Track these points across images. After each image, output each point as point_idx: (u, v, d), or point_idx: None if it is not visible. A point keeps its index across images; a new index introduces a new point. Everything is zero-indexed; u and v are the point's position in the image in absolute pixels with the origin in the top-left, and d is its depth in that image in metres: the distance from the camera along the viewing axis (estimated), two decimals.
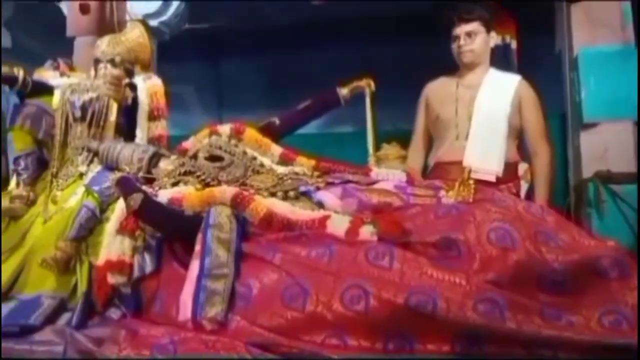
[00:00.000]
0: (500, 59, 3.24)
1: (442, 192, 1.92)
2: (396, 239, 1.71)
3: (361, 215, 1.82)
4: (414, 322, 1.55)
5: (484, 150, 2.48)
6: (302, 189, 1.97)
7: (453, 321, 1.52)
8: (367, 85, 2.37)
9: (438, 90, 2.67)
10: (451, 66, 2.75)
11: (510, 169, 2.57)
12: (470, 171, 1.88)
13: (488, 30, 2.59)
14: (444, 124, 2.58)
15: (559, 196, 2.91)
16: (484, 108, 2.54)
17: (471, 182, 1.84)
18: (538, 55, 3.39)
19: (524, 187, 2.72)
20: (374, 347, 1.57)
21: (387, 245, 1.69)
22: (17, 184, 2.25)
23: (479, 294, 1.56)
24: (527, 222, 1.71)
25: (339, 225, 1.77)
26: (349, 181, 2.00)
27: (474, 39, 2.56)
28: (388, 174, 2.05)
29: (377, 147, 2.33)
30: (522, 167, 2.91)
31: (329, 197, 1.92)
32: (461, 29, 2.56)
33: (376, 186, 1.98)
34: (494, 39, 2.63)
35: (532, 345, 1.52)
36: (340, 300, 1.59)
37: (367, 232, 1.73)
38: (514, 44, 3.30)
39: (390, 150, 2.28)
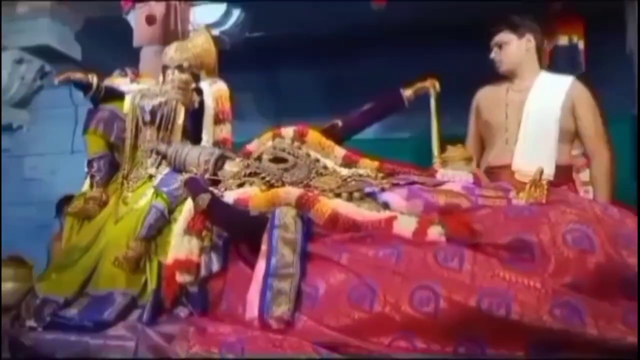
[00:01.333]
0: (567, 59, 3.15)
1: (512, 194, 1.85)
2: (465, 240, 1.66)
3: (428, 216, 1.79)
4: (486, 326, 1.50)
5: (532, 154, 2.41)
6: (367, 190, 1.95)
7: (528, 325, 1.46)
8: (431, 85, 2.34)
9: (488, 96, 2.63)
10: None
11: (563, 172, 2.47)
12: (542, 172, 1.81)
13: (520, 36, 2.53)
14: (494, 128, 2.54)
15: (630, 201, 2.77)
16: (533, 111, 2.47)
17: (544, 182, 1.78)
18: (608, 55, 3.26)
19: (590, 193, 2.62)
20: (444, 350, 1.53)
21: (456, 246, 1.65)
22: (91, 186, 2.34)
23: (556, 298, 1.49)
24: (605, 224, 1.62)
25: (406, 225, 1.74)
26: (414, 182, 1.96)
27: (505, 48, 2.52)
28: (454, 175, 2.00)
29: (442, 149, 2.29)
30: (588, 174, 2.80)
31: (395, 198, 1.89)
32: (493, 41, 2.56)
33: (443, 187, 1.94)
34: (531, 41, 2.54)
35: (613, 353, 1.45)
36: (409, 301, 1.55)
37: (435, 232, 1.69)
38: (581, 44, 3.19)
39: (456, 152, 2.23)
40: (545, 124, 2.45)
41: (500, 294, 1.50)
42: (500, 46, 2.53)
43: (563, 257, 1.56)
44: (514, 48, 2.52)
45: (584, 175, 2.96)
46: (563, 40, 3.20)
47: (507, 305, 1.48)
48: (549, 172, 2.37)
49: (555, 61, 3.19)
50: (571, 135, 2.51)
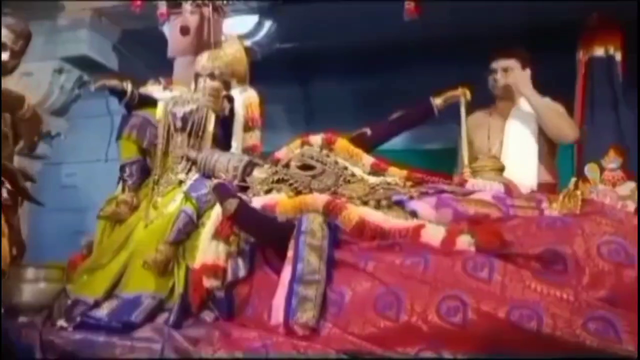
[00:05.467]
0: (603, 71, 3.07)
1: (545, 204, 1.81)
2: (495, 250, 1.63)
3: (457, 225, 1.76)
4: (515, 338, 1.46)
5: (514, 171, 2.40)
6: (395, 198, 1.94)
7: (560, 339, 1.42)
8: (462, 94, 2.32)
9: (473, 121, 2.69)
10: (547, 82, 2.76)
11: (546, 189, 2.48)
12: (576, 182, 1.76)
13: (524, 67, 2.73)
14: (478, 150, 2.64)
15: None
16: (513, 131, 2.66)
17: (578, 193, 1.73)
18: None
19: (631, 207, 2.56)
20: None
21: (486, 256, 1.62)
22: (123, 190, 2.38)
23: (590, 312, 1.45)
24: None
25: (434, 234, 1.72)
26: (443, 191, 1.94)
27: (510, 74, 2.69)
28: (485, 185, 1.97)
29: (472, 159, 2.26)
30: (629, 187, 2.74)
31: (423, 206, 1.87)
32: (497, 64, 2.73)
33: (473, 197, 1.91)
34: (528, 72, 2.74)
35: None
36: (437, 311, 1.53)
37: (464, 242, 1.66)
38: (618, 56, 3.11)
39: (487, 161, 2.20)
40: (525, 142, 2.64)
41: (531, 306, 1.47)
42: (506, 70, 2.70)
43: (598, 269, 1.51)
44: (517, 75, 2.70)
45: (622, 189, 2.89)
46: (599, 52, 3.13)
47: (538, 318, 1.44)
48: (532, 182, 2.54)
49: (591, 73, 3.12)
50: (551, 148, 2.70)
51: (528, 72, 2.75)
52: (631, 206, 2.57)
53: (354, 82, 4.59)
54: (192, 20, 3.42)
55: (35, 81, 3.64)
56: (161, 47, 3.55)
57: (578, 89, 3.15)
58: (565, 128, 2.66)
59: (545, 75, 2.87)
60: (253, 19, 3.88)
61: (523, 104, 2.75)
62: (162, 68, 3.32)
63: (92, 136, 4.86)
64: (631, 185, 2.62)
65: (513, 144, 2.64)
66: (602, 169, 2.98)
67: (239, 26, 3.79)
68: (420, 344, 1.53)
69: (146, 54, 4.09)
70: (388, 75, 4.36)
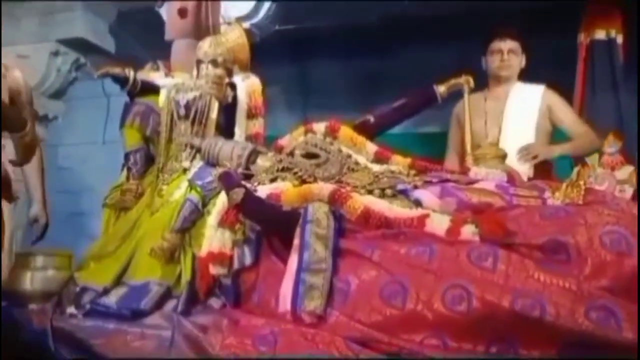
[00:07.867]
0: (604, 54, 3.08)
1: (548, 193, 1.84)
2: (499, 240, 1.65)
3: (461, 215, 1.78)
4: (519, 327, 1.49)
5: (513, 156, 2.45)
6: (399, 187, 1.96)
7: (563, 327, 1.45)
8: (466, 82, 2.32)
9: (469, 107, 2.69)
10: (548, 65, 2.75)
11: (541, 169, 2.55)
12: (579, 172, 1.79)
13: (523, 50, 2.76)
14: (476, 135, 2.60)
15: None
16: (513, 117, 2.66)
17: (581, 183, 1.75)
18: None
19: (628, 191, 2.59)
20: (475, 350, 1.53)
21: (490, 246, 1.64)
22: (127, 178, 2.39)
23: (591, 301, 1.48)
24: None
25: (439, 224, 1.73)
26: (447, 180, 1.96)
27: (513, 56, 2.71)
28: (488, 174, 1.99)
29: (473, 146, 2.27)
30: (627, 171, 2.76)
31: (427, 195, 1.89)
32: (505, 45, 2.70)
33: (476, 186, 1.93)
34: (523, 55, 2.78)
35: None
36: (442, 299, 1.55)
37: (468, 231, 1.68)
38: (619, 39, 3.10)
39: (489, 149, 2.22)
40: (524, 126, 2.65)
41: (534, 295, 1.49)
42: (510, 53, 2.71)
43: (600, 259, 1.54)
44: (518, 59, 2.73)
45: (620, 174, 2.92)
46: (600, 35, 3.13)
47: (541, 307, 1.47)
48: (528, 171, 2.55)
49: (592, 56, 3.12)
50: (547, 136, 2.72)
51: (523, 59, 2.77)
52: (628, 190, 2.60)
53: (352, 63, 4.56)
54: (189, 1, 3.39)
55: (32, 64, 3.61)
56: (158, 28, 3.52)
57: (579, 72, 3.15)
58: (595, 146, 2.61)
59: (545, 58, 2.89)
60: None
61: (519, 88, 2.74)
62: (160, 49, 3.30)
63: (88, 118, 4.84)
64: (629, 168, 2.63)
65: (512, 130, 2.64)
66: (601, 153, 3.01)
67: (237, 8, 3.75)
68: (425, 331, 1.56)
69: (143, 36, 4.05)
70: (386, 56, 4.33)
